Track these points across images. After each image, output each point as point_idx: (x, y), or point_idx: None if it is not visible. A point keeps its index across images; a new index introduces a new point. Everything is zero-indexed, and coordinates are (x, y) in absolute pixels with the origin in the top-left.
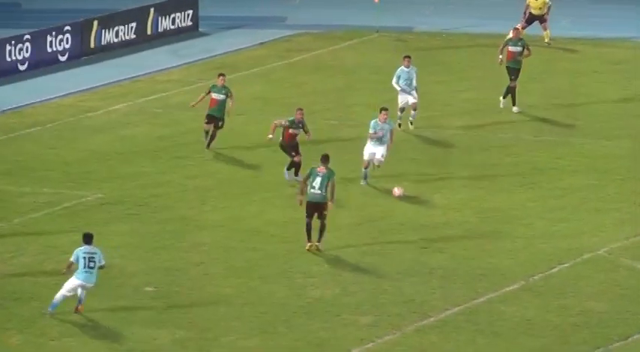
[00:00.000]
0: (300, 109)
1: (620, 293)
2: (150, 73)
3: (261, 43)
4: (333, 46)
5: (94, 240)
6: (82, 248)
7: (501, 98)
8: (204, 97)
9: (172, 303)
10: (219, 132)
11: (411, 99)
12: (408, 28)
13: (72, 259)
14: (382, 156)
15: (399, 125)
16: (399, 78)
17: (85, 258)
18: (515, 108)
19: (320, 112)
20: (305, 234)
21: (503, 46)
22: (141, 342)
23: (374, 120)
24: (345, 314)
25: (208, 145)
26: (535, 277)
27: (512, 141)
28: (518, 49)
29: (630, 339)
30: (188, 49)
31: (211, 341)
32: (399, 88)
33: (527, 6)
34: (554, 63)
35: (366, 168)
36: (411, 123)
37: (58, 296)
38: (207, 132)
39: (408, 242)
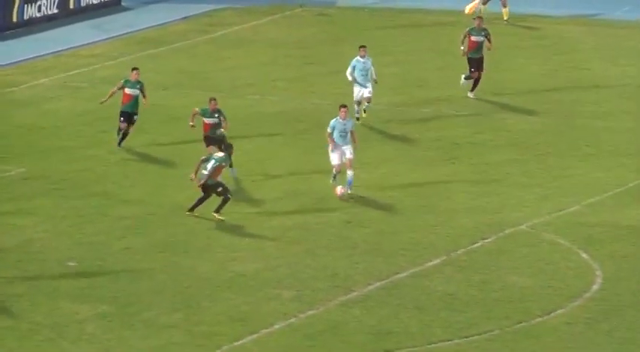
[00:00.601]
0: (214, 99)
1: (542, 268)
2: (73, 47)
3: (184, 18)
4: (256, 21)
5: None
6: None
7: (469, 92)
8: (115, 93)
9: (95, 278)
10: (132, 129)
11: (366, 93)
12: (331, 3)
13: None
14: (351, 153)
15: (357, 119)
16: (354, 68)
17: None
18: (470, 94)
19: (242, 87)
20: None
21: (465, 36)
22: (64, 316)
23: (334, 120)
24: (267, 289)
25: (120, 143)
26: (458, 252)
27: (433, 116)
28: (481, 39)
29: (552, 314)
30: (111, 24)
31: (134, 316)
32: (350, 79)
33: None
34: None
35: (337, 172)
36: (364, 111)
37: None
38: (121, 130)
39: (331, 217)
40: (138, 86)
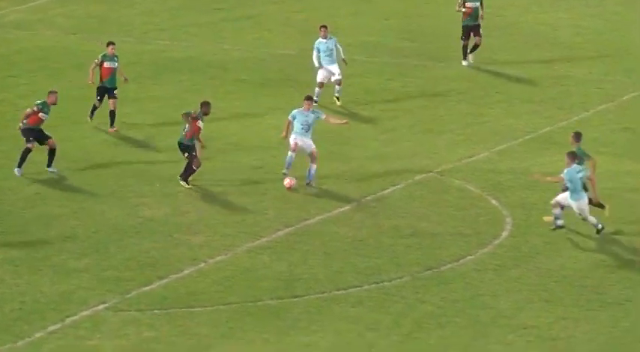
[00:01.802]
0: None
1: (451, 215)
2: None
3: None
4: None
5: None
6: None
7: (466, 59)
8: (94, 68)
9: (5, 223)
10: (115, 104)
11: (335, 76)
12: None
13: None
14: (313, 148)
15: (315, 102)
16: (318, 51)
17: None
18: (464, 62)
19: (153, 32)
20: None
21: (462, 3)
22: None
23: (296, 110)
24: (177, 234)
25: (111, 124)
26: (368, 198)
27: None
28: (476, 4)
29: (462, 261)
30: None
31: (43, 261)
32: (317, 64)
33: None
34: None
35: (293, 151)
36: (338, 99)
37: None
38: (96, 108)
39: (241, 163)
40: (115, 59)
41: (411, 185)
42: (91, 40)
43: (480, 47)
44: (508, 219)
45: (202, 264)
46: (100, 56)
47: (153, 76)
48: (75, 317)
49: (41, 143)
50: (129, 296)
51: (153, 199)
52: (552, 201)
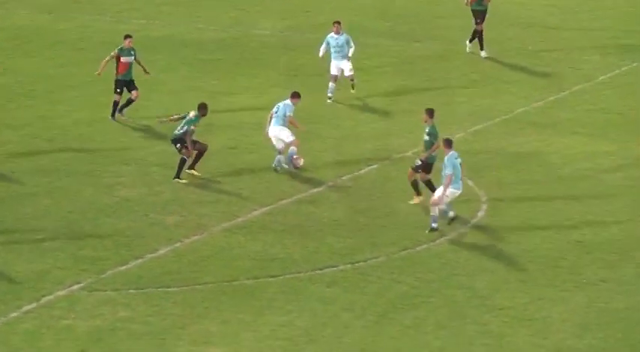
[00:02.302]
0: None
1: (428, 195)
2: None
3: None
4: None
5: None
6: None
7: (467, 42)
8: (108, 61)
9: None
10: (137, 95)
11: (347, 72)
12: None
13: None
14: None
15: (330, 98)
16: (327, 45)
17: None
18: (483, 53)
19: (128, 11)
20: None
21: None
22: None
23: (284, 103)
24: (152, 214)
25: (113, 114)
26: (344, 178)
27: (319, 41)
28: None
29: (438, 241)
30: None
31: (17, 240)
32: (320, 55)
33: None
34: None
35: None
36: (352, 87)
37: None
38: (117, 103)
39: (216, 143)
40: (132, 53)
41: (386, 165)
42: (66, 19)
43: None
44: (484, 199)
45: (178, 244)
46: (116, 49)
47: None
48: (50, 297)
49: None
50: (104, 275)
51: (128, 179)
52: (431, 200)
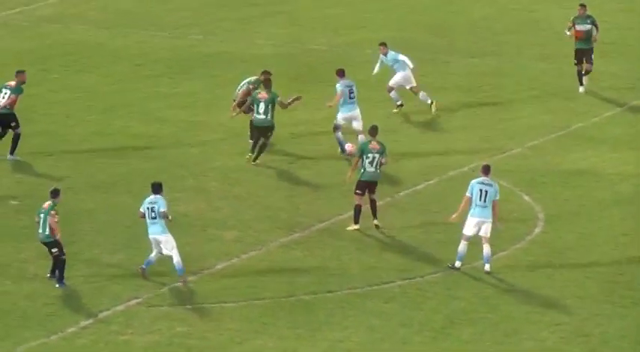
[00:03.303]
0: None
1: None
2: None
3: None
4: None
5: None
6: (148, 198)
7: (580, 88)
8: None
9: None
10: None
11: (411, 83)
12: None
13: (140, 209)
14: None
15: (402, 105)
16: (382, 63)
17: (148, 208)
18: (581, 88)
19: (186, 27)
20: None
21: (572, 26)
22: (6, 256)
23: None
24: (210, 229)
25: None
26: (401, 194)
27: (377, 58)
28: (587, 27)
29: (494, 257)
30: None
31: (75, 255)
32: (374, 72)
33: None
34: None
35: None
36: (432, 105)
37: (151, 257)
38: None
39: (273, 158)
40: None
41: (443, 181)
42: (123, 35)
43: (590, 73)
44: (540, 215)
45: (235, 259)
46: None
47: (185, 71)
48: (107, 312)
49: None
50: (161, 291)
51: (186, 194)
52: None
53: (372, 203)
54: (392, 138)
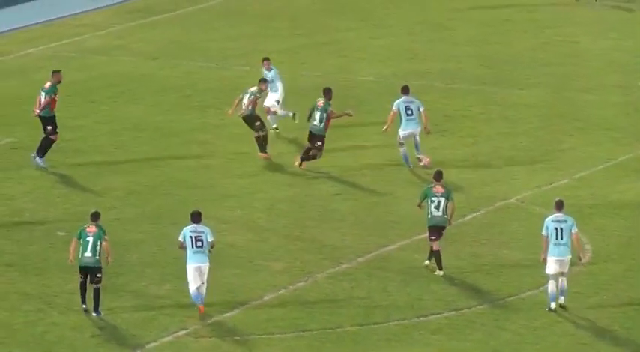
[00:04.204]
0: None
1: (532, 242)
2: (63, 17)
3: None
4: None
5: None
6: (189, 227)
7: None
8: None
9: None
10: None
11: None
12: None
13: (180, 239)
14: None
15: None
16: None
17: (191, 237)
18: None
19: (232, 58)
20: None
21: None
22: (53, 287)
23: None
24: (257, 261)
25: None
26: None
27: (424, 88)
28: None
29: (542, 288)
30: None
31: (123, 287)
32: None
33: None
34: (465, 12)
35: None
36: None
37: (191, 289)
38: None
39: (320, 189)
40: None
41: (490, 212)
42: (170, 66)
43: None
44: (587, 246)
45: (282, 291)
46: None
47: (233, 102)
48: (155, 343)
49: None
50: (209, 322)
51: (233, 225)
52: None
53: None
54: (437, 168)
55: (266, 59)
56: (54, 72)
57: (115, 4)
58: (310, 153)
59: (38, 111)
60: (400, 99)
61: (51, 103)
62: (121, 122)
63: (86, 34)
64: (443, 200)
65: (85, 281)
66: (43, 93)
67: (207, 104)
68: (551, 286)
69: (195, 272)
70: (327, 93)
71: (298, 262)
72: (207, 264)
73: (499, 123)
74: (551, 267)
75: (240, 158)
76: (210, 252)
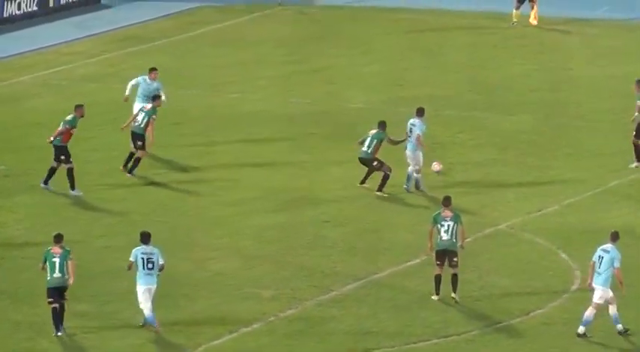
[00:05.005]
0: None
1: (521, 268)
2: (54, 45)
3: (165, 16)
4: (236, 19)
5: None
6: (139, 247)
7: (635, 162)
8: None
9: (75, 276)
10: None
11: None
12: (309, 1)
13: (131, 259)
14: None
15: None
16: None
17: (142, 259)
18: (635, 164)
19: (223, 85)
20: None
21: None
22: (43, 315)
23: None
24: (246, 288)
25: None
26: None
27: (413, 115)
28: None
29: (531, 314)
30: (92, 22)
31: (112, 315)
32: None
33: None
34: (455, 38)
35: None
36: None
37: (146, 312)
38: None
39: (309, 216)
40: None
41: (479, 238)
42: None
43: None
44: (577, 273)
45: (272, 318)
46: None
47: (222, 129)
48: None
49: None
50: (199, 350)
51: (221, 253)
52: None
53: (453, 277)
54: (428, 195)
55: (153, 69)
56: (77, 106)
57: (106, 31)
58: (382, 178)
59: (52, 138)
60: (410, 120)
61: (64, 134)
62: (112, 149)
63: (77, 61)
64: (452, 224)
65: (57, 306)
66: (62, 123)
67: (198, 131)
68: (589, 312)
69: (146, 293)
70: (382, 125)
71: (288, 289)
72: (156, 285)
73: (488, 149)
74: (596, 297)
75: (229, 185)
76: (158, 275)
